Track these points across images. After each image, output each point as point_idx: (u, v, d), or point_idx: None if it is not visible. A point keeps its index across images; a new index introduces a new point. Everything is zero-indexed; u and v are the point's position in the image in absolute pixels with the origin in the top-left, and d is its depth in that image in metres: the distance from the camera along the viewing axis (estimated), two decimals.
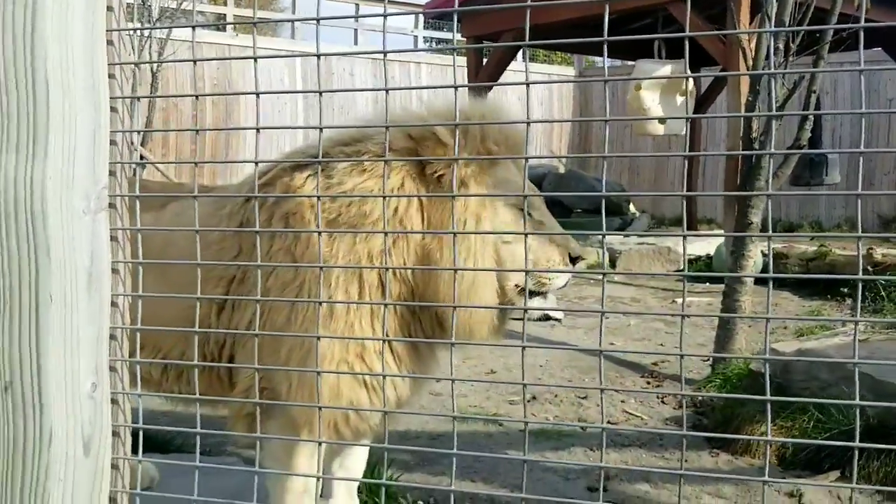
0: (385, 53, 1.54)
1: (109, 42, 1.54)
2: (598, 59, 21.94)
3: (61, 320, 1.45)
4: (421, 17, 20.69)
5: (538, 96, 21.47)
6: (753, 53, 5.47)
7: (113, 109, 1.55)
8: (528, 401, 4.96)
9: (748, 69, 5.60)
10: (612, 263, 11.11)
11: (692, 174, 13.72)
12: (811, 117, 5.35)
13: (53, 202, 1.43)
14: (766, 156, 5.19)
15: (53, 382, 1.44)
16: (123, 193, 1.59)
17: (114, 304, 1.57)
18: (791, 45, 5.16)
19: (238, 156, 17.87)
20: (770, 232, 1.41)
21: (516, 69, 18.09)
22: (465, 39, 11.45)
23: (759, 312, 7.51)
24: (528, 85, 1.46)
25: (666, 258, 10.96)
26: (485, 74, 11.04)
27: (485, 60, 11.41)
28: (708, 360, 6.04)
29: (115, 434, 1.58)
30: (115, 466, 1.58)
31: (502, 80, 11.62)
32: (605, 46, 1.48)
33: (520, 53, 13.05)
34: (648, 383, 5.51)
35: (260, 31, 21.46)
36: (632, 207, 14.53)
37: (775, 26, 5.04)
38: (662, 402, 5.16)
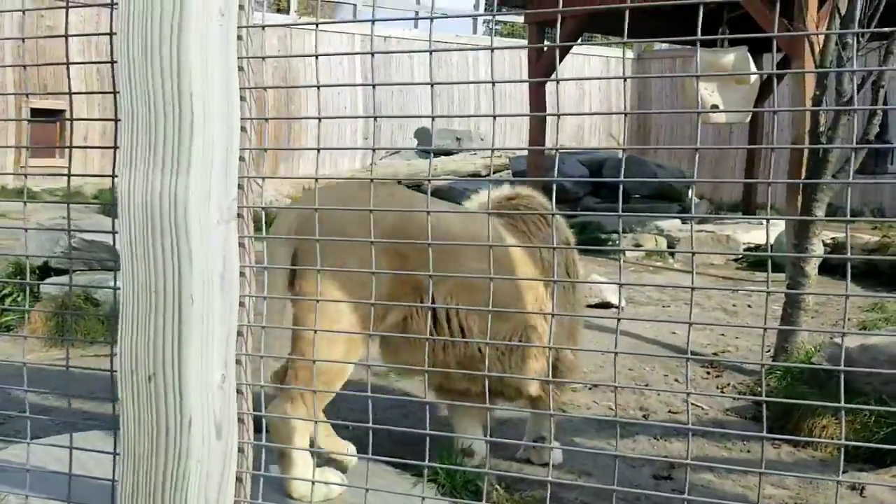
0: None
1: (240, 68, 1.71)
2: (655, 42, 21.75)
3: (199, 319, 1.62)
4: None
5: (596, 82, 21.42)
6: (821, 45, 5.49)
7: (242, 129, 1.72)
8: (589, 388, 5.09)
9: (814, 59, 5.60)
10: (671, 250, 11.15)
11: (753, 161, 13.64)
12: (879, 112, 5.36)
13: (194, 214, 1.60)
14: (832, 149, 5.23)
15: (192, 374, 1.62)
16: (249, 205, 1.76)
17: (241, 304, 1.74)
18: (861, 39, 5.18)
19: (301, 142, 18.16)
20: (847, 217, 1.52)
21: (577, 52, 18.01)
22: (526, 26, 11.51)
23: (823, 304, 7.52)
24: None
25: (725, 246, 10.95)
26: (546, 59, 11.10)
27: (546, 45, 11.47)
28: (769, 350, 6.11)
29: (240, 420, 1.75)
30: (240, 450, 1.75)
31: (563, 65, 11.67)
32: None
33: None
34: (708, 373, 5.59)
35: (321, 13, 21.70)
36: (691, 193, 14.47)
37: (846, 19, 5.06)
38: (722, 391, 5.25)
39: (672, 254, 11.04)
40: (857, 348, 4.36)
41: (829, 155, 5.24)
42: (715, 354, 5.97)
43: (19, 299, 6.39)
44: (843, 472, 3.93)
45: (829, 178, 5.25)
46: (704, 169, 18.06)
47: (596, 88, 21.54)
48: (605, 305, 7.26)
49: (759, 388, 5.15)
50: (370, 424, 1.75)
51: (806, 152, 7.35)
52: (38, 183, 15.84)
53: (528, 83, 11.34)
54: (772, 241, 10.83)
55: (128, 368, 1.65)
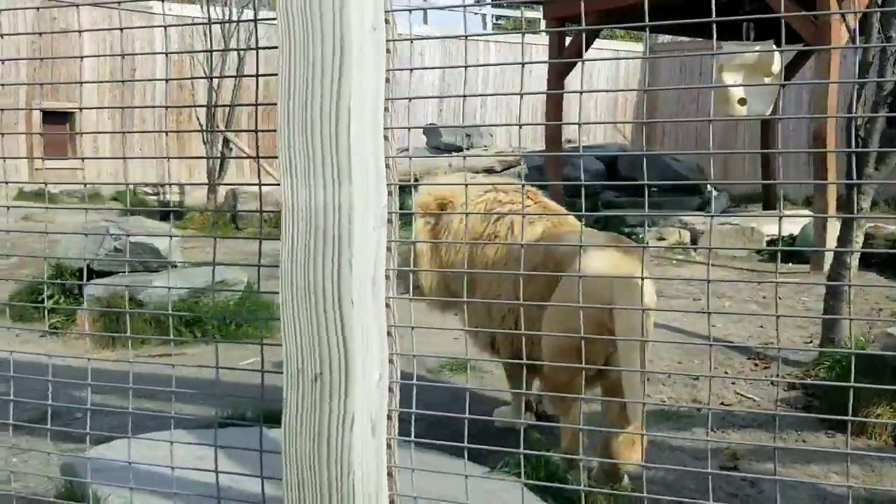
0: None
1: (387, 80, 1.78)
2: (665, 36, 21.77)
3: (360, 320, 1.69)
4: None
5: (605, 74, 21.48)
6: (852, 33, 5.54)
7: (385, 139, 1.79)
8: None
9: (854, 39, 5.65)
10: (694, 243, 11.20)
11: (769, 154, 13.66)
12: None
13: (357, 222, 1.67)
14: (872, 144, 5.29)
15: (357, 373, 1.69)
16: (395, 210, 1.83)
17: (387, 305, 1.81)
18: None
19: None
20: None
21: (601, 47, 18.04)
22: (546, 21, 11.56)
23: (862, 295, 7.57)
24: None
25: (749, 238, 11.01)
26: (568, 55, 11.16)
27: (567, 40, 11.53)
28: (809, 341, 6.18)
29: (388, 418, 1.83)
30: (388, 446, 1.83)
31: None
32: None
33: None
34: (756, 365, 5.66)
35: None
36: (708, 186, 14.53)
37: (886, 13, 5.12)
38: (772, 383, 5.31)
39: (694, 247, 11.09)
40: None
41: (871, 147, 5.31)
42: (758, 347, 6.03)
43: (61, 301, 6.46)
44: None
45: (871, 170, 5.32)
46: (716, 159, 18.10)
47: (603, 82, 21.60)
48: None
49: (808, 380, 5.23)
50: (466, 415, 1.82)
51: (843, 145, 7.40)
52: (54, 186, 15.90)
53: (546, 80, 11.39)
54: (796, 231, 10.88)
55: (294, 369, 1.72)
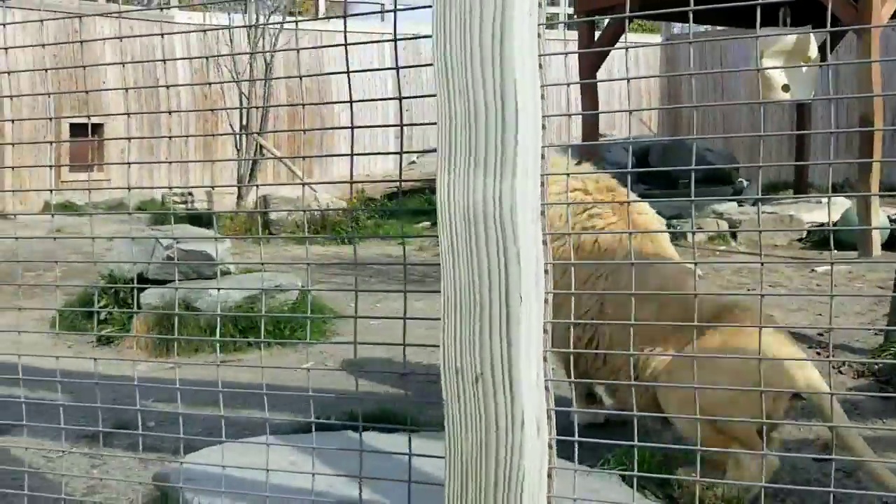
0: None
1: (539, 65, 1.71)
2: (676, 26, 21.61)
3: (525, 318, 1.63)
4: None
5: (622, 64, 21.36)
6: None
7: (543, 127, 1.73)
8: None
9: None
10: (734, 235, 11.11)
11: (802, 139, 13.52)
12: None
13: (521, 215, 1.61)
14: None
15: (522, 372, 1.63)
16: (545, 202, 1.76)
17: (546, 300, 1.75)
18: None
19: (334, 143, 18.23)
20: None
21: (631, 40, 17.95)
22: (577, 13, 11.49)
23: None
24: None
25: (788, 225, 10.90)
26: (599, 47, 11.08)
27: (597, 34, 11.46)
28: (871, 327, 6.09)
29: (548, 416, 1.76)
30: (549, 446, 1.76)
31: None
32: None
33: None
34: (818, 353, 5.57)
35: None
36: (746, 183, 14.41)
37: None
38: (840, 371, 5.22)
39: (734, 236, 11.00)
40: None
41: None
42: (820, 335, 5.94)
43: (114, 311, 6.43)
44: None
45: None
46: (740, 149, 17.98)
47: (623, 73, 21.47)
48: None
49: (876, 365, 5.14)
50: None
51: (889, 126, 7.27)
52: (81, 197, 15.94)
53: (579, 70, 11.31)
54: (835, 217, 10.77)
55: (452, 369, 1.66)
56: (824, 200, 11.53)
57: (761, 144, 1.87)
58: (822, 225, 10.89)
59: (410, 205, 13.32)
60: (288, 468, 3.08)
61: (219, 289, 4.69)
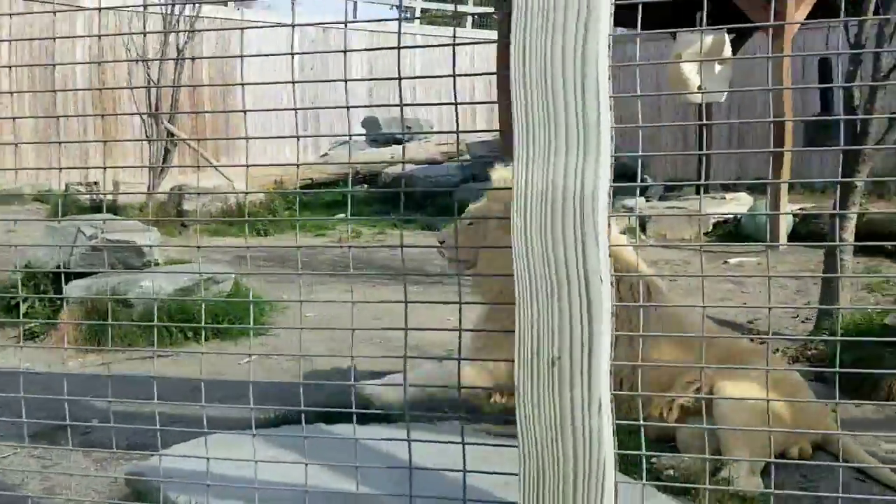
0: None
1: None
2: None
3: (606, 298, 1.62)
4: None
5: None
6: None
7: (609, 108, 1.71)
8: None
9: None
10: (643, 228, 11.37)
11: (707, 138, 13.89)
12: None
13: (601, 195, 1.59)
14: (872, 122, 5.42)
15: (603, 355, 1.61)
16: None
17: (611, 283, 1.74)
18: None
19: (239, 131, 17.83)
20: None
21: None
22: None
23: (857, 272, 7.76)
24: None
25: (696, 221, 11.23)
26: None
27: None
28: (796, 315, 6.32)
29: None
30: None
31: None
32: None
33: None
34: (752, 340, 5.74)
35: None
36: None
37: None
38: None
39: (643, 229, 11.28)
40: None
41: (869, 127, 5.45)
42: (750, 322, 6.14)
43: (36, 305, 6.13)
44: None
45: (870, 148, 5.46)
46: (649, 149, 18.36)
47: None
48: None
49: (808, 352, 5.35)
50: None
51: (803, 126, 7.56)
52: None
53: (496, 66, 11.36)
54: (739, 212, 11.15)
55: (527, 353, 1.63)
56: (728, 196, 11.98)
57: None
58: (726, 220, 11.27)
59: (325, 198, 13.17)
60: (261, 464, 2.99)
61: (179, 273, 4.51)
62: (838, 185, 5.90)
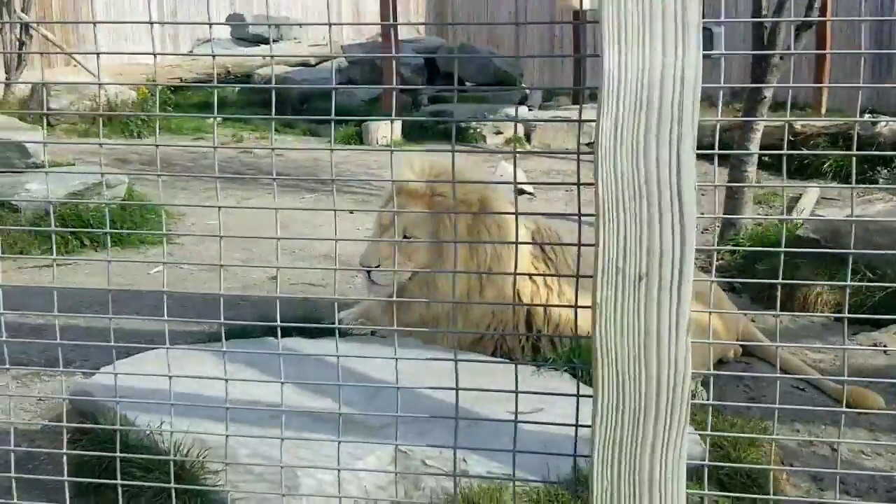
0: None
1: None
2: None
3: (696, 212, 1.50)
4: None
5: None
6: None
7: None
8: None
9: None
10: (528, 138, 11.36)
11: (581, 46, 13.90)
12: None
13: (690, 97, 1.46)
14: (781, 29, 5.49)
15: (688, 273, 1.50)
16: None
17: None
18: None
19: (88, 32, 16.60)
20: None
21: None
22: None
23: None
24: None
25: (582, 131, 11.29)
26: None
27: None
28: (696, 226, 6.45)
29: None
30: None
31: None
32: None
33: None
34: None
35: None
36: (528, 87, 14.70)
37: None
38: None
39: (528, 138, 11.28)
40: (844, 220, 4.70)
41: (777, 38, 5.52)
42: None
43: None
44: (855, 335, 4.31)
45: (777, 59, 5.54)
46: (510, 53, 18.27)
47: None
48: (520, 192, 7.34)
49: (718, 260, 5.47)
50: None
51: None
52: None
53: None
54: None
55: (611, 268, 1.49)
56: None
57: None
58: None
59: (194, 98, 12.49)
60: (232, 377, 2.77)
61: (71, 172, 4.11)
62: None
